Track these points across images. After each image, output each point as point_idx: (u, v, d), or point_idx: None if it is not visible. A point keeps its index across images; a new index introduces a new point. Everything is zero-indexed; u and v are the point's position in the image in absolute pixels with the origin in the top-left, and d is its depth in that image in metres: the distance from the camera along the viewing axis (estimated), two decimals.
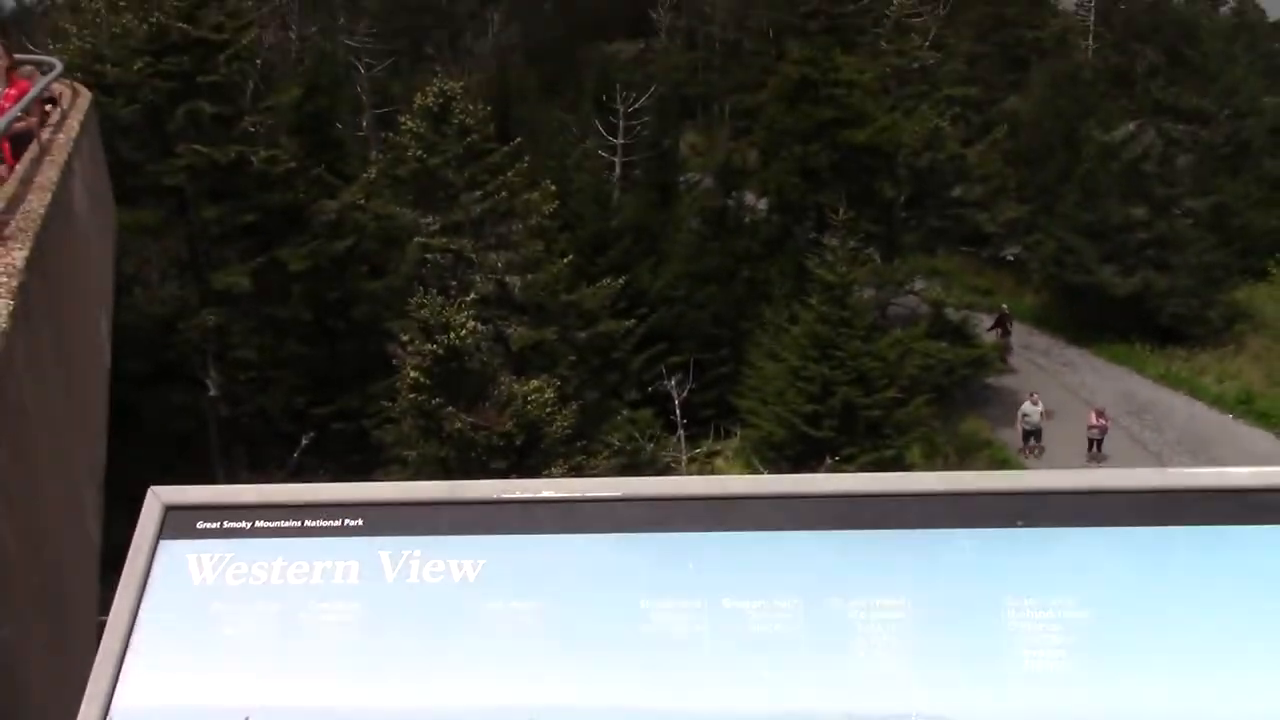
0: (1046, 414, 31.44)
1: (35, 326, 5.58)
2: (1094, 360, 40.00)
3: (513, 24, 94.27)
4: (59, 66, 12.74)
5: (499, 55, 79.59)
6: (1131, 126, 39.65)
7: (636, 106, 48.19)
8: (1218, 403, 35.34)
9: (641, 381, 34.17)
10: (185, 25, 24.43)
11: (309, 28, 74.77)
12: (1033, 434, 31.49)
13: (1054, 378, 38.62)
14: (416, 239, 26.16)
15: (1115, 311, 40.73)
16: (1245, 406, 34.78)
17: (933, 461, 30.10)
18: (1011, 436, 34.86)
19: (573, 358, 28.11)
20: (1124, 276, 38.61)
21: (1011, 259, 50.10)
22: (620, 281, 28.77)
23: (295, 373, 27.70)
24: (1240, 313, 39.61)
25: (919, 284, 36.33)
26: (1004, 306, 38.43)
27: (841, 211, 32.64)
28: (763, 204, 43.27)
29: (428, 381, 20.59)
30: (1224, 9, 64.15)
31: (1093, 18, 68.98)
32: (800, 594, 1.52)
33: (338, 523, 1.63)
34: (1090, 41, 66.90)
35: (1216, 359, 38.14)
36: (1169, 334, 39.46)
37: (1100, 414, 31.11)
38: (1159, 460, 32.24)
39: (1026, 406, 31.32)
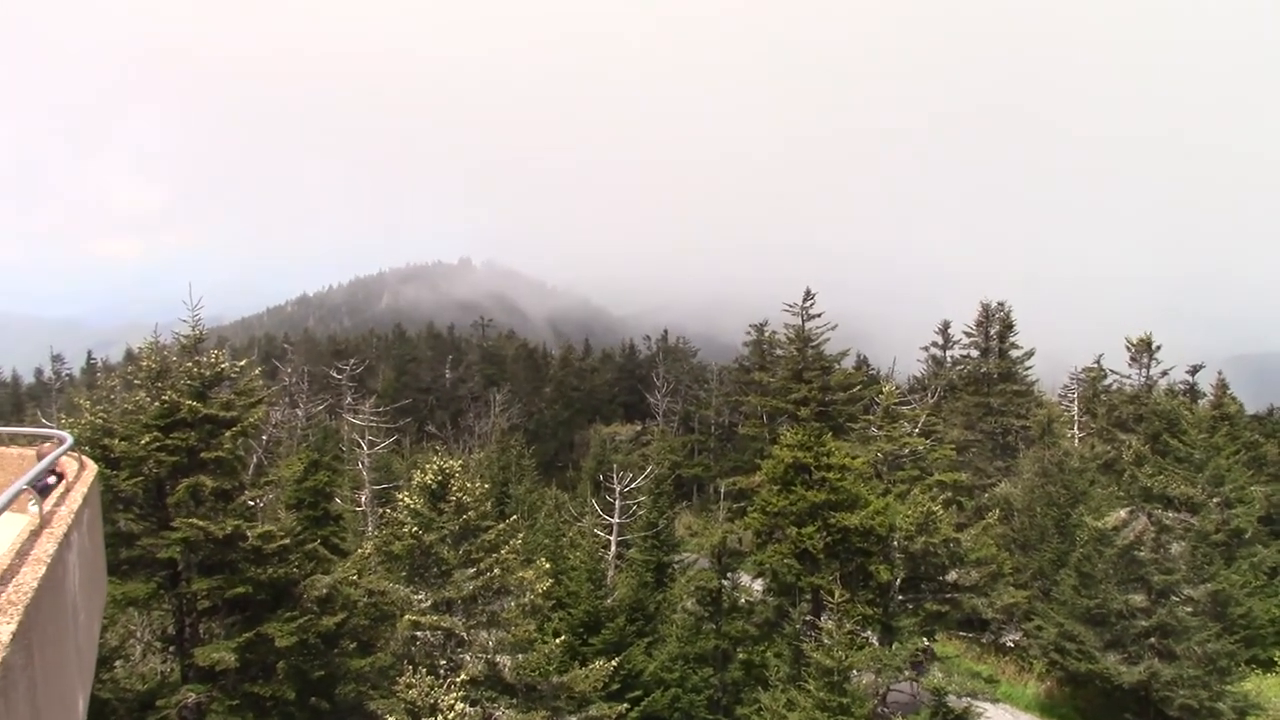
0: None
1: (12, 705, 5.42)
2: None
3: (514, 405, 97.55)
4: (68, 440, 13.01)
5: (499, 434, 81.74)
6: (1123, 513, 40.11)
7: (633, 486, 48.94)
8: None
9: None
10: (196, 403, 25.18)
11: (316, 405, 77.30)
12: None
13: None
14: (407, 616, 25.79)
15: (1122, 701, 39.65)
16: None
17: None
18: None
19: None
20: (1129, 665, 37.87)
21: (1012, 645, 49.34)
22: (613, 663, 28.09)
23: None
24: (1251, 705, 38.52)
25: (919, 669, 35.54)
26: None
27: (837, 594, 32.45)
28: (758, 585, 43.03)
29: None
30: (1202, 401, 66.60)
31: (1076, 408, 71.49)
32: None
33: None
34: (1075, 430, 68.96)
35: None
36: None
37: None
38: None
39: None
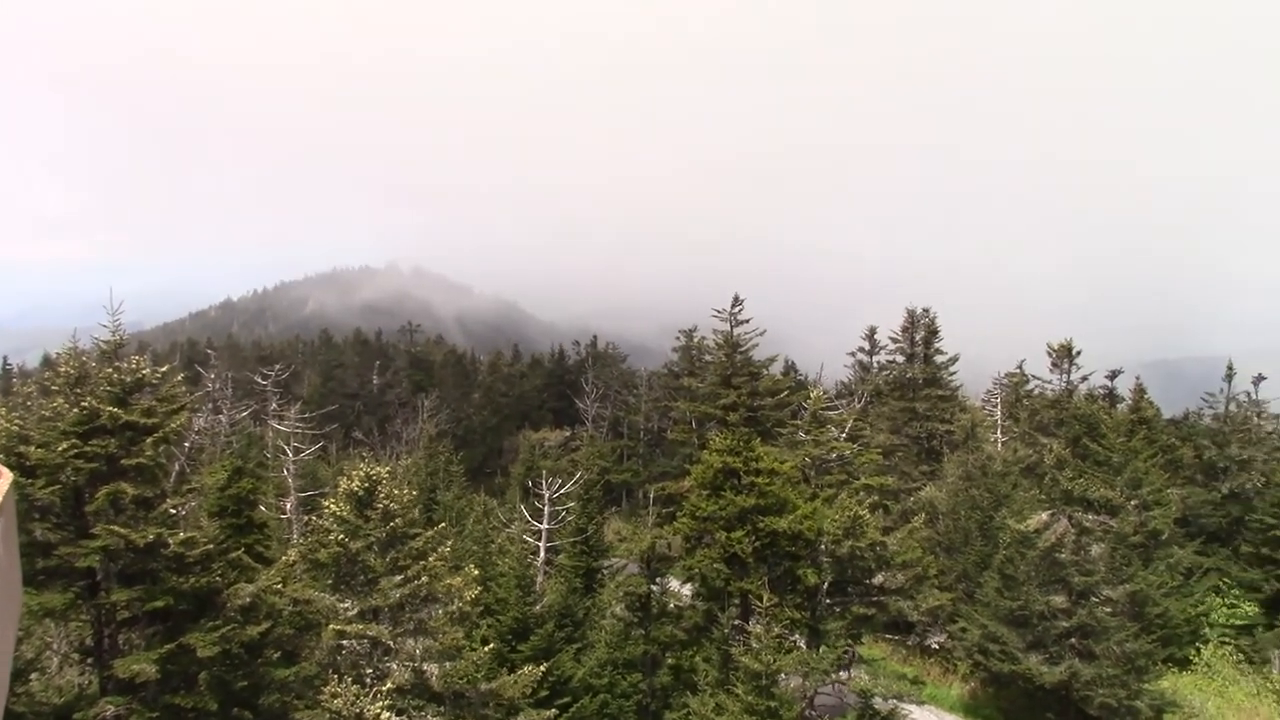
0: None
1: None
2: None
3: (442, 411, 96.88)
4: None
5: (427, 440, 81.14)
6: (1044, 516, 40.81)
7: (562, 492, 48.82)
8: None
9: None
10: (116, 409, 24.64)
11: (241, 411, 76.10)
12: None
13: None
14: (333, 624, 25.47)
15: (1044, 700, 40.35)
16: None
17: None
18: None
19: None
20: (1050, 665, 38.54)
21: (937, 647, 50.00)
22: (542, 669, 27.99)
23: None
24: (1168, 702, 39.43)
25: (845, 672, 35.89)
26: None
27: (765, 598, 32.64)
28: (687, 590, 43.15)
29: None
30: (1121, 405, 68.02)
31: (999, 412, 72.62)
32: None
33: None
34: (998, 435, 70.05)
35: None
36: None
37: None
38: None
39: None
